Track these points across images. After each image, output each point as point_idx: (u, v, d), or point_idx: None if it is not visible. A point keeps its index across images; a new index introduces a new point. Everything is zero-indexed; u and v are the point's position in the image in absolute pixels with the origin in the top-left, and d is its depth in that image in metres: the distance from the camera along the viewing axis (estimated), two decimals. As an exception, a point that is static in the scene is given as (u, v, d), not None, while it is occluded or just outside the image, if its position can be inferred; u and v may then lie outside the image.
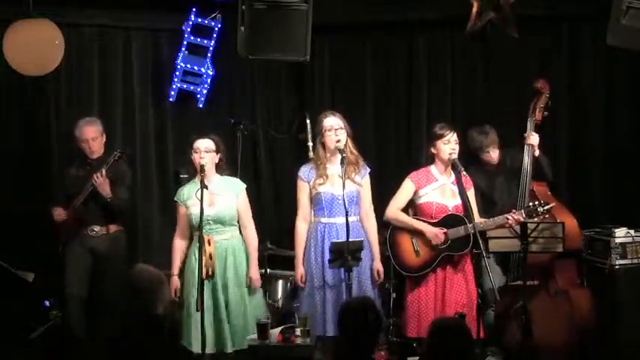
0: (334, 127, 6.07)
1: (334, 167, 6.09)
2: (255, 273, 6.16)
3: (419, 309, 6.15)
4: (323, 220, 6.10)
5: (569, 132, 7.36)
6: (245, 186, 6.29)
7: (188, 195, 6.13)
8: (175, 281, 6.11)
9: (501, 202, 6.54)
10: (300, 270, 6.13)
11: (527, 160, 6.48)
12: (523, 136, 6.54)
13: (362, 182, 6.14)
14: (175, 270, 6.15)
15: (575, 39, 7.41)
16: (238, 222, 6.20)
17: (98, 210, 6.71)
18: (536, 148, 6.52)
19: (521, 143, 6.57)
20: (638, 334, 6.45)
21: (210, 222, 6.02)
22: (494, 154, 6.70)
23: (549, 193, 6.56)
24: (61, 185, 6.85)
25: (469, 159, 6.72)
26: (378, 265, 6.16)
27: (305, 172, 6.17)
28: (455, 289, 6.14)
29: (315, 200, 6.12)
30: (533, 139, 6.51)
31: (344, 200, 5.91)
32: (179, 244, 6.21)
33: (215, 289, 6.05)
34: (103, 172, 6.56)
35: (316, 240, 6.10)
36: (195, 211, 5.99)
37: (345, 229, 5.93)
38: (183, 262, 6.18)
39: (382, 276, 6.18)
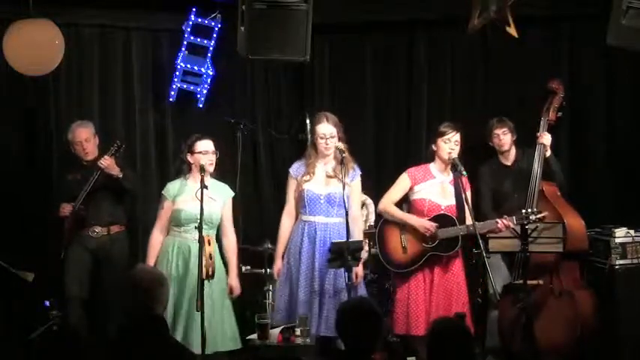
0: (326, 136, 6.07)
1: (323, 166, 6.11)
2: (236, 281, 6.15)
3: (407, 306, 6.15)
4: (304, 217, 6.11)
5: (569, 132, 7.36)
6: (233, 194, 6.28)
7: (179, 191, 6.10)
8: None
9: (510, 202, 6.53)
10: (278, 264, 6.13)
11: (537, 160, 6.48)
12: (536, 136, 6.54)
13: (351, 183, 6.11)
14: (151, 263, 6.07)
15: (575, 39, 7.41)
16: (219, 228, 6.19)
17: (99, 211, 6.71)
18: (548, 149, 6.53)
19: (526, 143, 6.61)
20: (638, 333, 6.45)
21: (197, 220, 5.96)
22: (503, 138, 6.70)
23: (559, 194, 6.55)
24: (60, 191, 6.82)
25: (484, 156, 6.74)
26: (358, 269, 6.05)
27: (295, 168, 6.18)
28: (441, 290, 6.13)
29: (299, 197, 6.13)
30: (546, 138, 6.52)
31: (343, 200, 5.91)
32: (158, 238, 6.15)
33: (175, 288, 6.00)
34: (106, 156, 6.55)
35: (296, 237, 6.10)
36: (186, 207, 6.00)
37: (323, 229, 6.01)
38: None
39: (359, 279, 6.09)
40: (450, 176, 6.24)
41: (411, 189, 6.27)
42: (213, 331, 5.95)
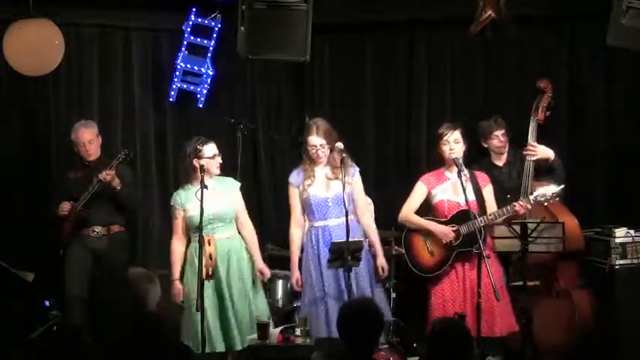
0: (316, 147, 6.07)
1: (321, 169, 6.11)
2: (263, 264, 6.21)
3: (444, 309, 6.15)
4: (315, 223, 6.10)
5: (569, 132, 7.36)
6: (239, 184, 6.30)
7: (186, 198, 6.10)
8: (178, 285, 6.10)
9: (502, 202, 6.51)
10: (295, 274, 6.13)
11: (528, 170, 6.45)
12: (524, 146, 6.51)
13: (351, 181, 6.10)
14: (177, 274, 6.11)
15: (575, 39, 7.41)
16: (236, 220, 6.21)
17: (100, 211, 6.71)
18: (551, 155, 6.48)
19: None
20: (638, 333, 6.45)
21: (212, 220, 6.01)
22: (502, 139, 6.69)
23: None
24: (60, 190, 6.82)
25: (477, 157, 6.75)
26: (381, 261, 6.11)
27: (295, 177, 6.18)
28: (473, 287, 6.13)
29: (305, 204, 6.12)
30: (532, 152, 6.45)
31: (344, 199, 5.90)
32: (179, 249, 6.16)
33: (220, 288, 6.04)
34: (108, 170, 6.54)
35: (312, 246, 6.09)
36: (195, 212, 5.93)
37: (338, 230, 5.98)
38: (183, 266, 6.17)
39: (386, 271, 6.13)
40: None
41: (429, 194, 6.29)
42: (244, 326, 6.04)
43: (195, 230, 5.97)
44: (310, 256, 6.10)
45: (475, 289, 6.06)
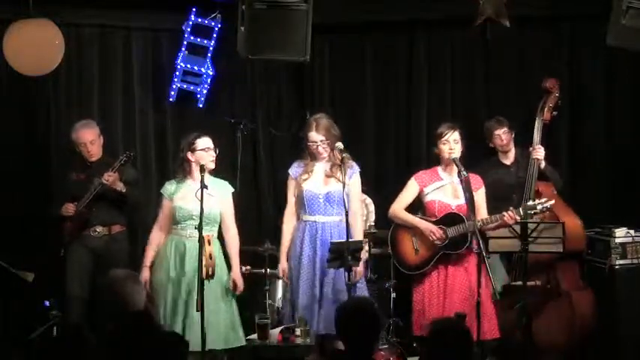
0: (317, 143, 6.05)
1: (321, 166, 6.11)
2: (239, 277, 6.13)
3: (423, 307, 6.17)
4: (304, 217, 6.10)
5: (569, 132, 7.36)
6: (233, 190, 6.27)
7: (176, 189, 6.12)
8: (145, 272, 6.10)
9: (508, 202, 6.51)
10: (283, 263, 6.14)
11: (532, 164, 6.46)
12: (530, 145, 6.53)
13: (349, 182, 6.09)
14: (147, 262, 6.14)
15: (575, 39, 7.41)
16: (220, 226, 6.18)
17: (101, 211, 6.70)
18: (542, 161, 6.52)
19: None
20: (638, 333, 6.45)
21: (194, 217, 5.96)
22: (505, 138, 6.73)
23: (555, 193, 6.55)
24: (62, 190, 6.82)
25: (486, 154, 6.76)
26: (357, 268, 5.99)
27: (294, 169, 6.18)
28: (456, 289, 6.13)
29: (299, 197, 6.13)
30: (540, 153, 6.50)
31: (342, 199, 5.90)
32: (157, 237, 6.19)
33: (175, 289, 6.02)
34: (111, 172, 6.52)
35: (297, 238, 6.09)
36: (182, 204, 6.01)
37: (326, 228, 6.00)
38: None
39: (358, 276, 6.01)
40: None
41: (421, 192, 6.28)
42: (210, 330, 5.93)
43: (175, 222, 6.07)
44: (293, 249, 6.11)
45: (456, 292, 6.09)
